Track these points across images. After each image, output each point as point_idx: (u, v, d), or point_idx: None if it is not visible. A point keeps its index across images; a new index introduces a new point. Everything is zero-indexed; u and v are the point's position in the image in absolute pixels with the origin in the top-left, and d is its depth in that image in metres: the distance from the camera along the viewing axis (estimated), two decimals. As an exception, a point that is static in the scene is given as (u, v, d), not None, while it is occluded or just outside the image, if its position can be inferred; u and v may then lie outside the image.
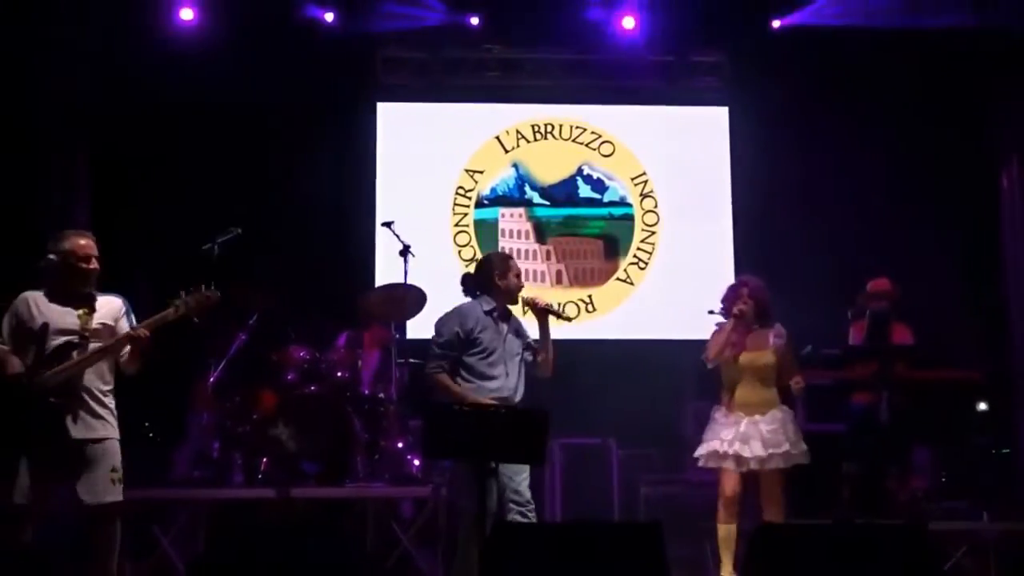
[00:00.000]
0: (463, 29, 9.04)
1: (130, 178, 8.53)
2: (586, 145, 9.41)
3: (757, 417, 6.20)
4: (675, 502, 7.76)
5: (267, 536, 4.39)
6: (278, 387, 7.25)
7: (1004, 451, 8.72)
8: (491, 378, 5.56)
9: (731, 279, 8.94)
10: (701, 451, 6.32)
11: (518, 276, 5.82)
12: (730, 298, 6.42)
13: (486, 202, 9.33)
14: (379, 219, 8.63)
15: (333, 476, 7.04)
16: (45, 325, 5.11)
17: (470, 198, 9.30)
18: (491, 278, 5.74)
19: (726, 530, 6.27)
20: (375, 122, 9.30)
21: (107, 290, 5.37)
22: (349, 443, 7.17)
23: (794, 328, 6.64)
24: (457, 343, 5.57)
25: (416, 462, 7.26)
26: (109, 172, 8.43)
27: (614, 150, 9.40)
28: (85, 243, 5.23)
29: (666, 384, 8.50)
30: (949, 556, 6.62)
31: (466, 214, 9.28)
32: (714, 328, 6.45)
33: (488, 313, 5.65)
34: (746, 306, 6.33)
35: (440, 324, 5.71)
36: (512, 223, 9.30)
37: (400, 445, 7.27)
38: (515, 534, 4.30)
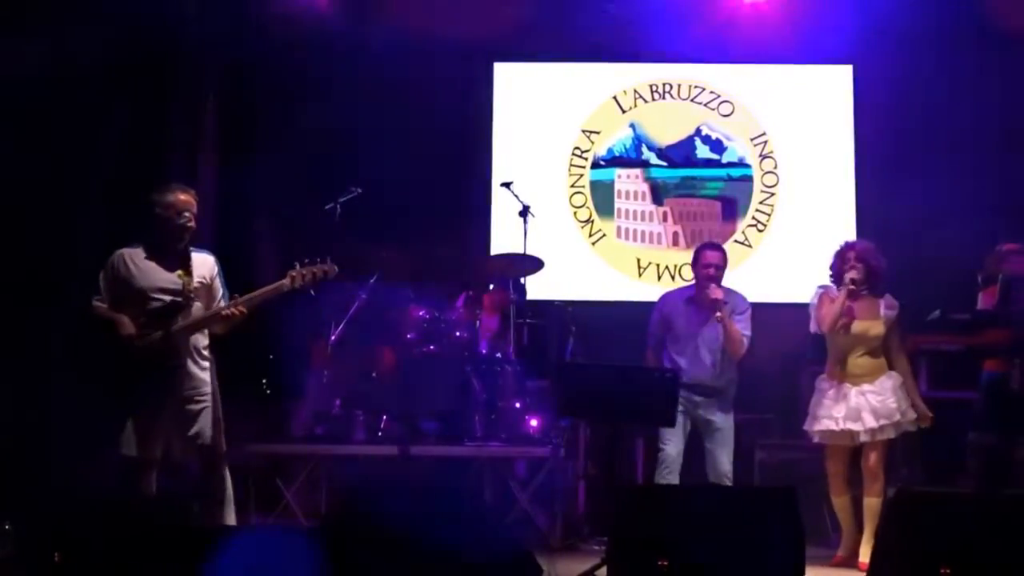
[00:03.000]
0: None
1: (256, 134, 8.62)
2: (704, 105, 9.27)
3: (865, 386, 6.10)
4: (790, 468, 7.65)
5: (390, 492, 4.44)
6: (398, 346, 7.33)
7: None
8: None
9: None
10: (814, 427, 6.25)
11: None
12: (839, 264, 6.26)
13: (602, 163, 9.26)
14: (496, 180, 8.65)
15: (451, 435, 7.11)
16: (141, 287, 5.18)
17: (586, 159, 9.25)
18: None
19: (842, 501, 6.29)
20: (492, 83, 9.28)
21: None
22: (467, 402, 7.23)
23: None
24: None
25: (533, 422, 7.30)
26: (235, 127, 8.52)
27: (733, 110, 9.25)
28: (186, 198, 5.28)
29: (783, 349, 8.34)
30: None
31: (582, 175, 9.23)
32: (816, 293, 6.33)
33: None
34: (858, 273, 6.14)
35: None
36: (628, 184, 9.22)
37: (517, 405, 7.32)
38: (648, 497, 4.28)
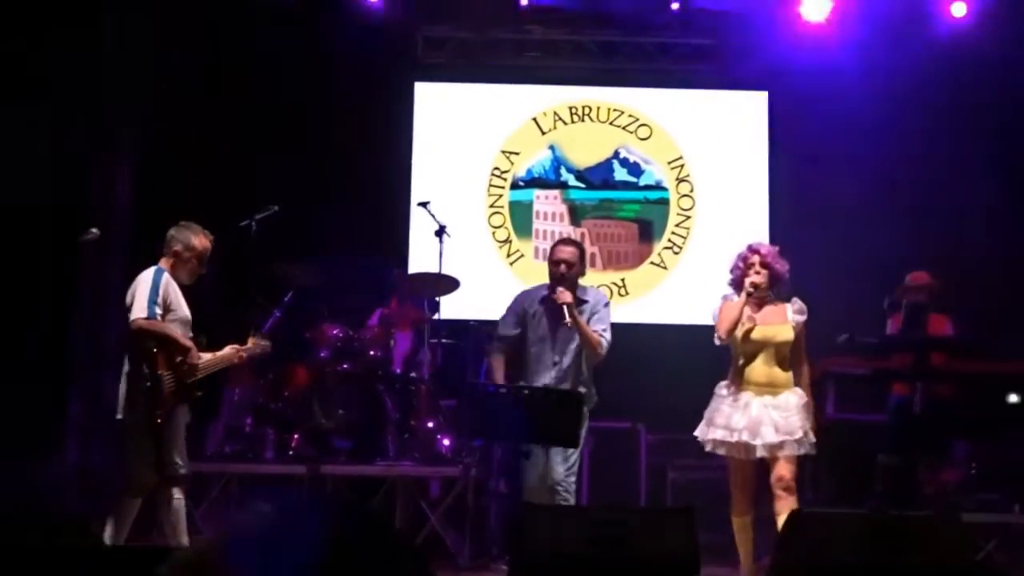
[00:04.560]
0: (505, 9, 9.02)
1: (170, 153, 8.55)
2: (623, 128, 9.37)
3: (768, 399, 5.66)
4: (702, 488, 7.72)
5: (297, 512, 4.39)
6: (311, 364, 7.28)
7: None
8: None
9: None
10: (707, 435, 5.77)
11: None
12: (740, 268, 5.87)
13: (521, 184, 9.31)
14: (415, 199, 8.65)
15: (363, 454, 7.08)
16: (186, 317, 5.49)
17: (506, 179, 9.29)
18: None
19: (742, 523, 5.84)
20: (412, 102, 9.29)
21: (149, 262, 5.50)
22: (380, 421, 7.21)
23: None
24: None
25: (446, 442, 7.29)
26: (152, 147, 8.45)
27: (651, 133, 9.36)
28: (209, 244, 5.58)
29: (697, 369, 8.41)
30: (980, 548, 6.58)
31: (501, 195, 9.27)
32: (720, 300, 5.92)
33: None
34: (760, 277, 5.77)
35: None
36: (547, 205, 9.28)
37: (430, 425, 7.31)
38: (545, 516, 4.30)
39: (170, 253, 5.49)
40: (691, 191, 9.30)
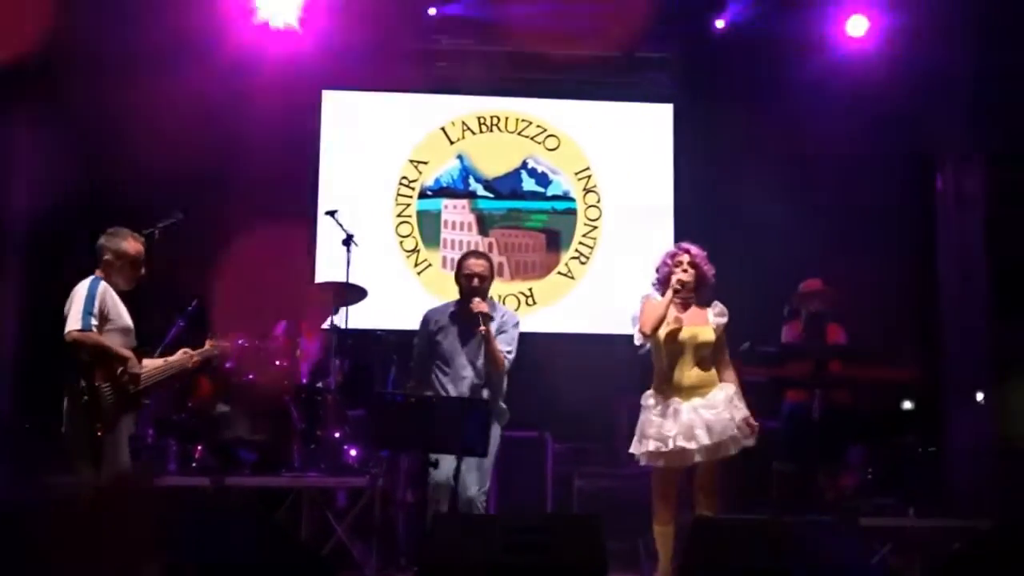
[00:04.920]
0: (414, 19, 9.03)
1: (77, 154, 8.37)
2: (531, 139, 9.44)
3: (697, 401, 5.57)
4: (608, 496, 7.81)
5: (201, 525, 4.35)
6: (215, 375, 7.19)
7: (931, 449, 8.90)
8: None
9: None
10: (642, 449, 5.64)
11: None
12: (668, 265, 5.78)
13: (429, 193, 9.32)
14: (322, 207, 8.61)
15: (269, 465, 7.01)
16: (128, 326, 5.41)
17: (413, 188, 9.29)
18: None
19: (667, 531, 5.72)
20: (320, 110, 9.24)
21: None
22: (286, 432, 7.14)
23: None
24: None
25: (353, 452, 7.26)
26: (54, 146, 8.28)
27: (559, 144, 9.44)
28: (141, 247, 5.56)
29: (603, 379, 8.56)
30: (875, 552, 6.75)
31: (409, 204, 9.27)
32: (641, 300, 5.79)
33: None
34: (687, 276, 5.70)
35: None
36: (455, 214, 9.30)
37: (337, 435, 7.27)
38: (454, 525, 4.31)
39: (103, 263, 5.42)
40: (598, 201, 9.40)
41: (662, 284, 5.77)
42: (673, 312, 5.72)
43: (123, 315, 5.41)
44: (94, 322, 5.23)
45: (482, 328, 5.72)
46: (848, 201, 9.02)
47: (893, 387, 8.79)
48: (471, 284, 5.93)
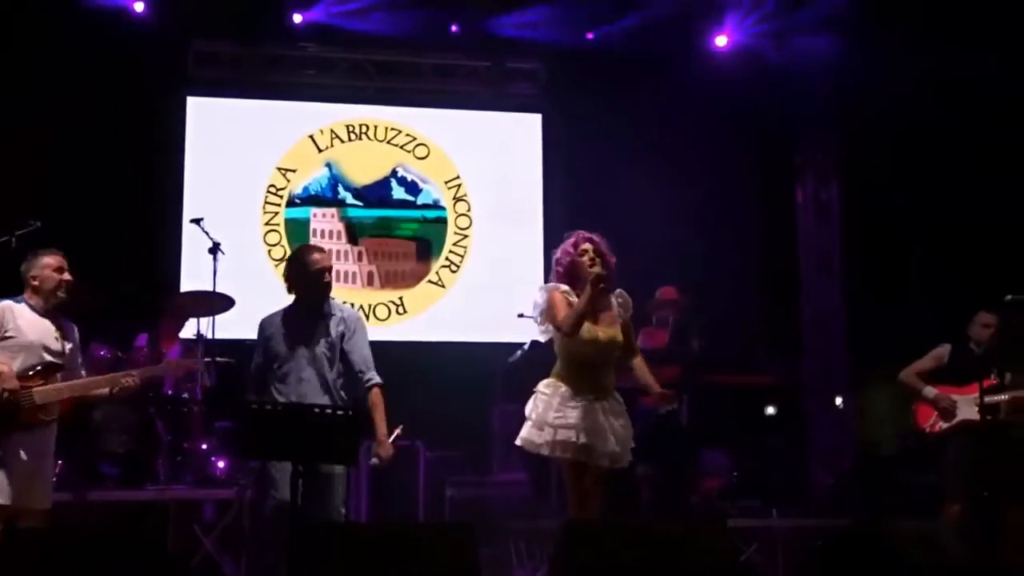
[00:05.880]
0: (281, 25, 8.95)
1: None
2: (401, 147, 9.42)
3: (606, 405, 5.16)
4: (480, 503, 7.84)
5: (63, 542, 4.23)
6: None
7: (793, 452, 9.17)
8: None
9: (541, 284, 9.15)
10: (539, 438, 5.13)
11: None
12: (571, 254, 5.27)
13: (298, 201, 9.22)
14: (187, 216, 8.43)
15: (133, 479, 6.84)
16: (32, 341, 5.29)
17: (282, 197, 9.18)
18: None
19: None
20: (184, 116, 9.06)
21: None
22: (150, 445, 6.98)
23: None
24: None
25: (221, 464, 7.13)
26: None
27: (429, 153, 9.44)
28: (59, 257, 5.48)
29: (474, 387, 8.60)
30: (741, 552, 6.92)
31: (277, 213, 9.15)
32: (541, 295, 5.25)
33: None
34: (600, 268, 5.16)
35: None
36: (324, 223, 9.22)
37: (204, 447, 7.13)
38: (326, 534, 4.26)
39: (28, 287, 5.41)
40: (468, 210, 9.43)
41: (567, 275, 5.27)
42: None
43: (24, 331, 5.28)
44: None
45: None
46: (713, 209, 9.24)
47: (756, 392, 9.04)
48: (325, 280, 5.42)
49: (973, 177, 8.60)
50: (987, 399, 6.09)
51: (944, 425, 6.28)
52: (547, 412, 5.12)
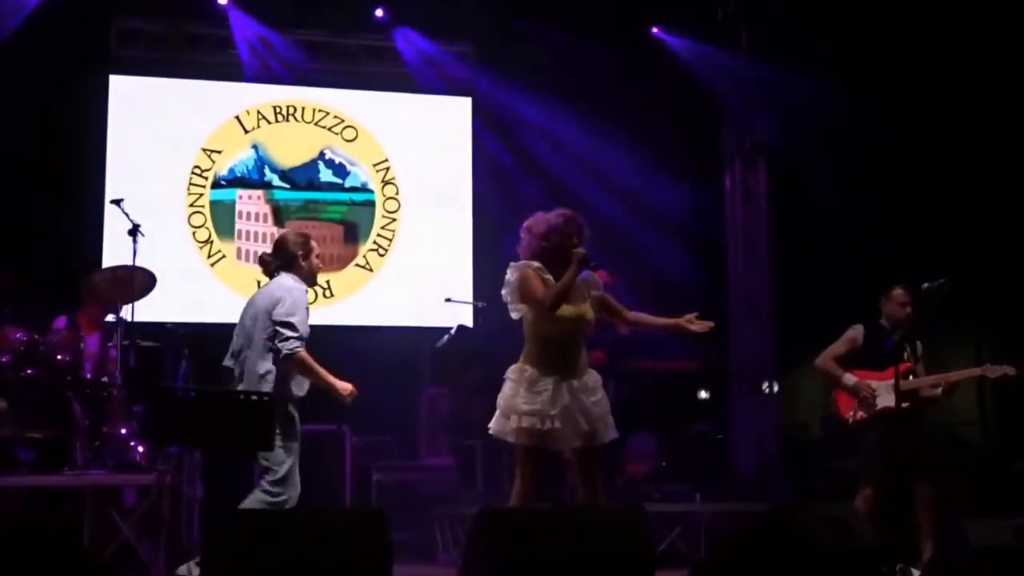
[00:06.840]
0: (207, 4, 8.83)
1: None
2: (329, 129, 9.33)
3: (575, 383, 5.01)
4: (407, 488, 7.82)
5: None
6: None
7: (719, 437, 9.25)
8: None
9: (469, 268, 9.16)
10: (509, 426, 5.00)
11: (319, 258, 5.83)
12: (561, 234, 5.07)
13: (223, 183, 9.09)
14: (108, 197, 8.28)
15: (49, 464, 6.71)
16: None
17: (207, 178, 9.05)
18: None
19: None
20: (106, 95, 8.88)
21: None
22: (68, 429, 6.85)
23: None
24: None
25: (140, 449, 7.02)
26: None
27: (357, 135, 9.36)
28: None
29: (402, 371, 8.56)
30: (664, 537, 6.96)
31: (202, 194, 9.02)
32: (513, 273, 5.05)
33: None
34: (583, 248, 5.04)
35: (293, 304, 5.56)
36: (250, 205, 9.11)
37: (124, 431, 7.00)
38: (246, 521, 4.21)
39: None
40: (396, 193, 9.37)
41: (549, 252, 5.07)
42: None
43: None
44: None
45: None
46: (644, 193, 9.27)
47: (684, 378, 9.11)
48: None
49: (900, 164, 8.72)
50: (903, 386, 6.09)
51: (864, 415, 6.31)
52: (514, 398, 5.00)
